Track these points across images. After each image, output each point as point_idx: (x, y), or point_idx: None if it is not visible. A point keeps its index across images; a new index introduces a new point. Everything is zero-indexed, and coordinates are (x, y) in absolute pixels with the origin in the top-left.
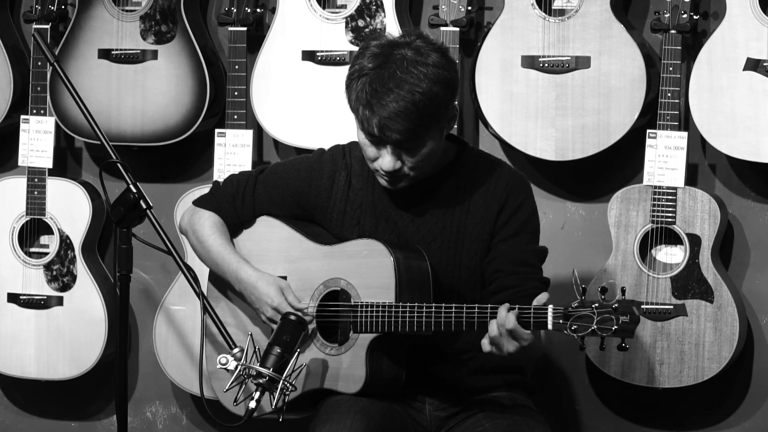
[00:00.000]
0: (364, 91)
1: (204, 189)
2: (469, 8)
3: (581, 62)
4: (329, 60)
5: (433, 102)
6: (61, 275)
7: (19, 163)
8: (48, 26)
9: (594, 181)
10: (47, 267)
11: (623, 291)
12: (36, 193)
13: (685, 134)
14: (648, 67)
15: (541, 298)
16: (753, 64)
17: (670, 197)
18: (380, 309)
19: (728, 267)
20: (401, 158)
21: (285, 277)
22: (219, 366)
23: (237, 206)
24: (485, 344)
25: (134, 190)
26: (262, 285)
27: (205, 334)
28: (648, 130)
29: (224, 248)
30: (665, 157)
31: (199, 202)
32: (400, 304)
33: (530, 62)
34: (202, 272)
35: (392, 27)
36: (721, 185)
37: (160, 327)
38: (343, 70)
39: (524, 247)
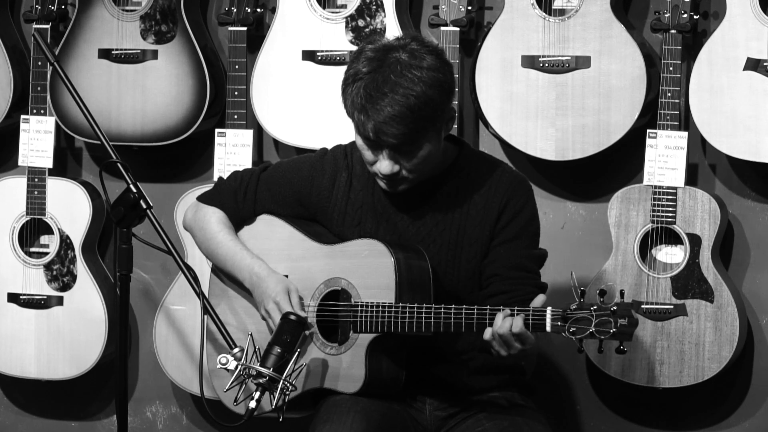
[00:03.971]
0: (359, 96)
1: (204, 188)
2: (469, 8)
3: (581, 62)
4: (329, 60)
5: (429, 105)
6: (61, 275)
7: (19, 163)
8: (48, 26)
9: (594, 181)
10: (47, 267)
11: (622, 294)
12: (36, 192)
13: (685, 134)
14: (648, 67)
15: (537, 301)
16: (753, 64)
17: (671, 197)
18: (380, 309)
19: (728, 267)
20: (399, 162)
21: (286, 276)
22: (219, 366)
23: (238, 201)
24: (487, 333)
25: (134, 190)
26: (272, 281)
27: (205, 334)
28: (648, 130)
29: (235, 244)
30: (665, 157)
31: (203, 198)
32: (400, 304)
33: (530, 62)
34: (203, 272)
35: (392, 27)
36: (721, 185)
37: (160, 327)
38: (343, 70)
39: (523, 251)
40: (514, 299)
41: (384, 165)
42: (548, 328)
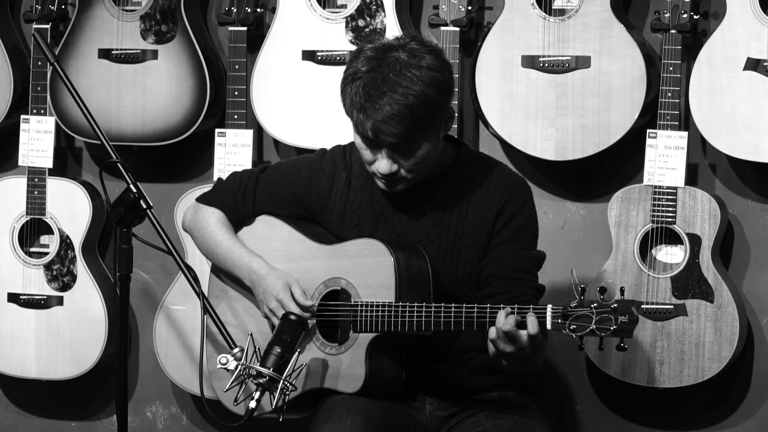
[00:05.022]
0: (358, 95)
1: (204, 188)
2: (470, 8)
3: (581, 62)
4: (329, 60)
5: (427, 104)
6: (61, 275)
7: (19, 163)
8: (48, 26)
9: (594, 181)
10: (47, 267)
11: (622, 291)
12: (36, 192)
13: (685, 134)
14: (648, 66)
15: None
16: (753, 64)
17: (671, 197)
18: (380, 308)
19: (728, 267)
20: (397, 161)
21: None
22: (219, 366)
23: (237, 201)
24: (492, 332)
25: (134, 190)
26: (272, 278)
27: (205, 334)
28: (648, 130)
29: (233, 243)
30: (665, 157)
31: (202, 199)
32: (400, 303)
33: (530, 62)
34: (203, 272)
35: (392, 27)
36: (721, 185)
37: (160, 327)
38: (343, 70)
39: (521, 252)
40: (512, 301)
41: (383, 164)
42: (549, 326)
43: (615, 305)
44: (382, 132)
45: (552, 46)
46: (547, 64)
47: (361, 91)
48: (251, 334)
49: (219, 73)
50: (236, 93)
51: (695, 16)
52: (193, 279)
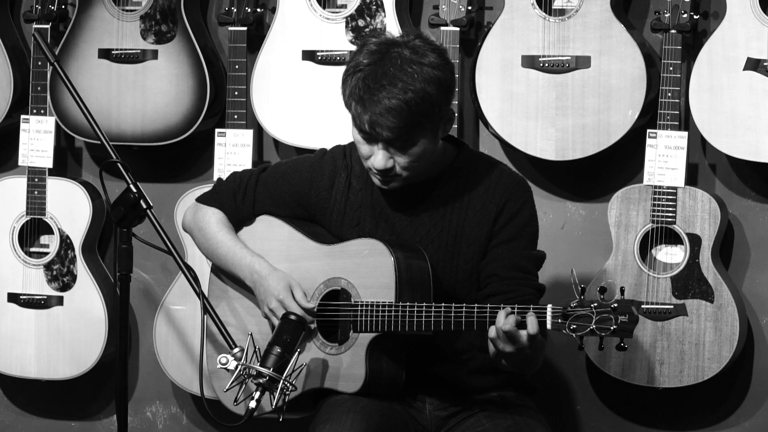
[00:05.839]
0: (358, 87)
1: (204, 188)
2: (470, 8)
3: (581, 62)
4: (329, 60)
5: (426, 101)
6: (61, 275)
7: (19, 163)
8: (48, 26)
9: (594, 181)
10: (47, 267)
11: (622, 291)
12: (36, 192)
13: (685, 134)
14: (648, 66)
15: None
16: (753, 64)
17: (671, 197)
18: (380, 308)
19: (728, 267)
20: (393, 157)
21: None
22: (219, 366)
23: (237, 202)
24: (492, 331)
25: (134, 190)
26: (273, 279)
27: (205, 334)
28: (648, 130)
29: (235, 243)
30: (665, 157)
31: (202, 199)
32: (400, 303)
33: (530, 62)
34: (203, 272)
35: (392, 27)
36: (722, 185)
37: (160, 327)
38: (343, 70)
39: (521, 252)
40: (512, 300)
41: (378, 159)
42: (549, 326)
43: (615, 305)
44: (378, 125)
45: (552, 46)
46: (547, 64)
47: (360, 84)
48: (251, 334)
49: (219, 73)
50: (236, 93)
51: (695, 16)
52: (193, 279)
